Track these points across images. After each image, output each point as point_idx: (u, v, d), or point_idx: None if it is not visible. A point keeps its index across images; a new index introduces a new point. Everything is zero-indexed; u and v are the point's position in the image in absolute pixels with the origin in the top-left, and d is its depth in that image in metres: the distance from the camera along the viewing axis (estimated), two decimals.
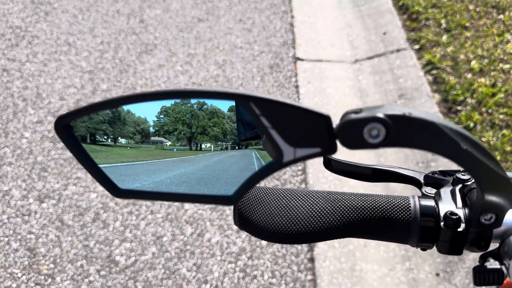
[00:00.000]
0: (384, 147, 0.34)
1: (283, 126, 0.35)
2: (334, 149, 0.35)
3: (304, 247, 1.86)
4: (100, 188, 2.09)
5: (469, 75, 2.66)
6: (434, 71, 2.76)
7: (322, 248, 1.85)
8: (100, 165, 0.43)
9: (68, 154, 2.27)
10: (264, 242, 1.88)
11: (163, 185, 0.46)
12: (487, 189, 0.40)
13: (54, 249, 1.82)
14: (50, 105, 2.58)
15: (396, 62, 2.90)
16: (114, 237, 1.88)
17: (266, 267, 1.79)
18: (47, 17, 3.36)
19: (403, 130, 0.34)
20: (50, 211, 1.98)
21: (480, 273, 0.43)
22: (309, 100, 2.68)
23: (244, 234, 1.91)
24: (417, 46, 2.99)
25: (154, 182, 0.46)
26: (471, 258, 1.78)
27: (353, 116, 0.34)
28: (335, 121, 0.35)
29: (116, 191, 0.42)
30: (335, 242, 1.87)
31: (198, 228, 1.93)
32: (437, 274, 1.74)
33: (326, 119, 0.34)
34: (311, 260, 1.82)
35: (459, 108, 2.46)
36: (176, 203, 2.03)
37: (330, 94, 2.74)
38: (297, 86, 2.82)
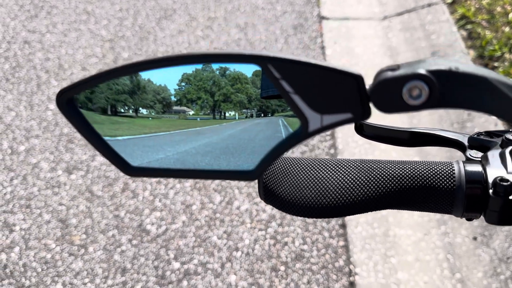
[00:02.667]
0: (427, 109, 0.29)
1: (307, 90, 0.30)
2: (367, 114, 0.30)
3: None
4: None
5: (507, 29, 2.50)
6: (468, 26, 2.60)
7: None
8: (108, 140, 0.39)
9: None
10: None
11: (180, 160, 0.42)
12: None
13: (85, 220, 1.84)
14: (73, 76, 2.56)
15: (427, 18, 2.75)
16: (144, 206, 1.88)
17: (297, 234, 1.76)
18: None
19: (449, 88, 0.28)
20: (79, 182, 1.99)
21: None
22: (336, 61, 2.58)
23: None
24: (449, 0, 2.82)
25: (173, 156, 0.42)
26: None
27: (390, 74, 0.28)
28: (367, 83, 0.30)
29: (127, 169, 0.37)
30: None
31: (227, 196, 1.91)
32: (475, 238, 1.68)
33: (358, 79, 0.29)
34: (343, 226, 1.78)
35: (496, 64, 2.32)
36: None
37: (358, 54, 2.62)
38: (323, 47, 2.71)
